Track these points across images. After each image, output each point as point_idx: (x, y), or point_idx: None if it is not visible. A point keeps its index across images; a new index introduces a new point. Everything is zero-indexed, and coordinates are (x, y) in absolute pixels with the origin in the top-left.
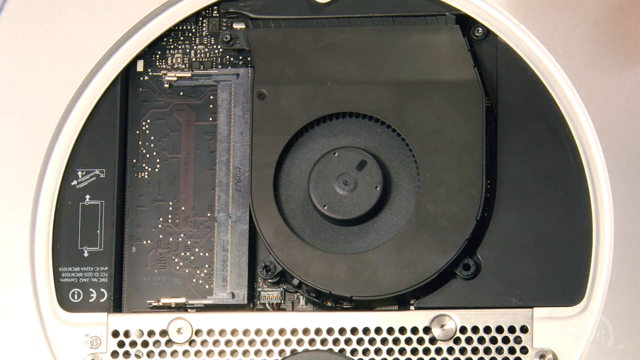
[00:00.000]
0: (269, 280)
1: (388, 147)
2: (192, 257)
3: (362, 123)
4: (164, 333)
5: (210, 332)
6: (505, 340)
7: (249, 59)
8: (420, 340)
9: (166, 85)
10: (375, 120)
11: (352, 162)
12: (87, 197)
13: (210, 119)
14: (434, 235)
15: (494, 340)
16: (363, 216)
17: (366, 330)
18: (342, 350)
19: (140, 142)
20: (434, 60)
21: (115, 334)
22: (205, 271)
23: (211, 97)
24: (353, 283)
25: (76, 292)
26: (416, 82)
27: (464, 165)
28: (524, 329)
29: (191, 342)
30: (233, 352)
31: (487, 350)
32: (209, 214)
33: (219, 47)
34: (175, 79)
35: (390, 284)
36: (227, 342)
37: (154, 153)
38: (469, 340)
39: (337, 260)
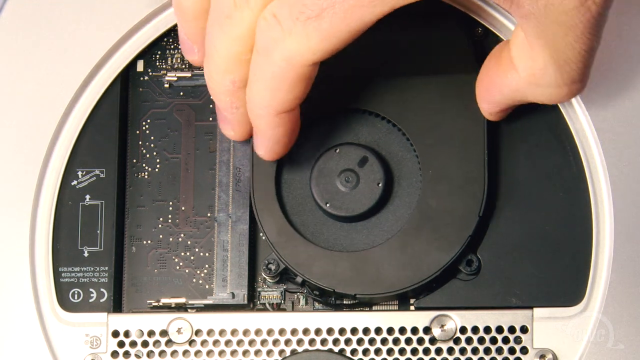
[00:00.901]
0: (272, 280)
1: (389, 143)
2: (192, 257)
3: (364, 119)
4: (164, 333)
5: (210, 332)
6: (505, 340)
7: None
8: (420, 341)
9: (166, 85)
10: (377, 116)
11: (353, 159)
12: (87, 197)
13: (210, 119)
14: (436, 231)
15: (494, 340)
16: (365, 213)
17: (366, 330)
18: (342, 350)
19: (140, 142)
20: (435, 56)
21: (115, 334)
22: (205, 271)
23: (211, 97)
24: (357, 281)
25: (76, 292)
26: (417, 78)
27: (465, 161)
28: (524, 329)
29: (191, 342)
30: (233, 352)
31: (487, 351)
32: (209, 214)
33: None
34: (175, 79)
35: (394, 282)
36: (227, 342)
37: (154, 153)
38: (469, 341)
39: (341, 258)
